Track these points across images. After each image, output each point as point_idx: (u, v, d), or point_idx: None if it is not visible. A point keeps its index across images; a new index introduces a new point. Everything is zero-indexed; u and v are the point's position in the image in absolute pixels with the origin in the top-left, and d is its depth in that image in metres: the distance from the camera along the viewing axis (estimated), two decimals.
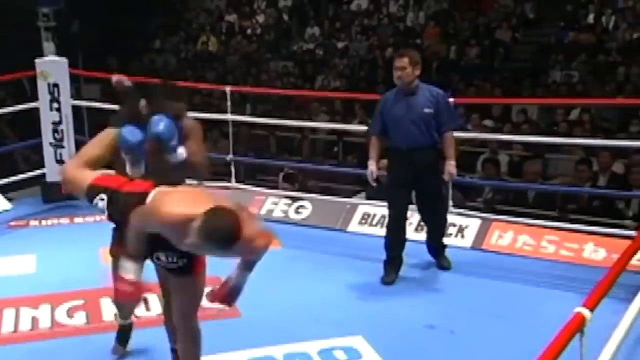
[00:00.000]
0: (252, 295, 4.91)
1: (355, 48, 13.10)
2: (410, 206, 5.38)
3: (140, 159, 3.67)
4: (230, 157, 6.93)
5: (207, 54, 14.85)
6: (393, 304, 4.92)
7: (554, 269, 5.48)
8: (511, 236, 5.89)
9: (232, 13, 15.60)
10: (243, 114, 9.87)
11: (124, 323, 4.20)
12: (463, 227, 6.05)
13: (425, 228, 5.60)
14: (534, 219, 6.20)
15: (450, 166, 5.17)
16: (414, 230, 5.84)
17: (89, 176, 3.24)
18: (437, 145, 5.18)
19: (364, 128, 7.40)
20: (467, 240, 5.96)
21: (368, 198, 6.78)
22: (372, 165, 5.29)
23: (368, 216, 6.35)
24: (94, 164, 3.37)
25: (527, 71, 11.88)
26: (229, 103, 6.82)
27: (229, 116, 6.96)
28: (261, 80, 12.91)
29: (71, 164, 2.90)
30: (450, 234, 5.95)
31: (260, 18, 15.19)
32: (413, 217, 5.71)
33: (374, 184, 5.37)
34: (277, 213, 6.64)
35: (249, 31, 15.00)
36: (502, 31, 12.85)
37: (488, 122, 10.08)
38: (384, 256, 5.29)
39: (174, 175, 3.75)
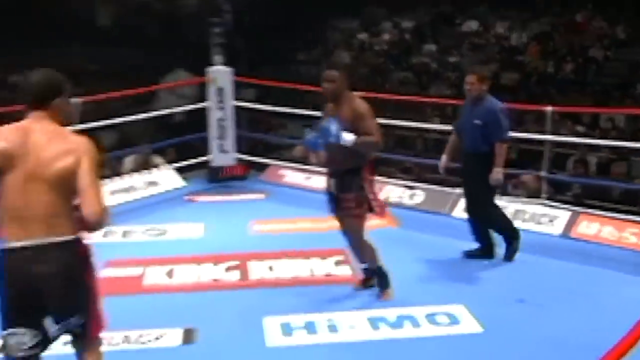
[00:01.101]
0: None
1: (465, 63, 12.82)
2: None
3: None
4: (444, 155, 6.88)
5: (341, 66, 14.92)
6: (490, 280, 4.80)
7: (635, 257, 5.19)
8: (597, 227, 5.61)
9: (363, 32, 15.60)
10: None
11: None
12: (554, 217, 5.81)
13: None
14: (618, 214, 5.89)
15: (495, 173, 4.90)
16: (511, 218, 5.66)
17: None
18: (488, 154, 4.90)
19: None
20: (557, 229, 5.72)
21: None
22: (443, 158, 5.25)
23: None
24: None
25: (616, 85, 11.24)
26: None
27: None
28: (385, 88, 12.84)
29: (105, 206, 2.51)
30: (542, 223, 5.74)
31: (386, 36, 15.13)
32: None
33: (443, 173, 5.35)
34: (394, 199, 6.59)
35: (376, 47, 14.95)
36: (595, 50, 12.22)
37: (580, 128, 9.68)
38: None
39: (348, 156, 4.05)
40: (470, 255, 5.14)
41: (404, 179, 7.04)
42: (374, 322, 4.04)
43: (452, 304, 4.27)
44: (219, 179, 7.30)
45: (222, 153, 7.24)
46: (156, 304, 4.37)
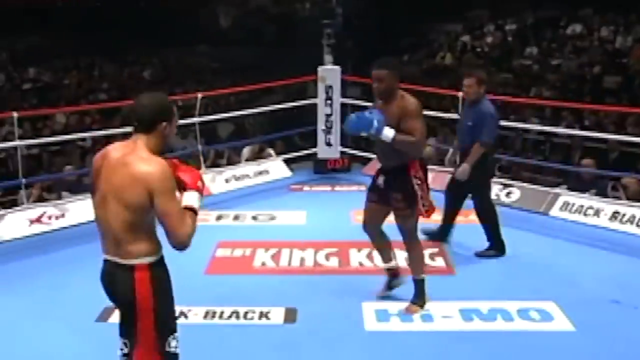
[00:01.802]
0: (466, 259, 4.85)
1: (567, 65, 12.22)
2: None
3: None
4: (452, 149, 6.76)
5: (443, 67, 14.62)
6: (583, 279, 4.54)
7: None
8: None
9: (466, 34, 15.22)
10: None
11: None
12: None
13: None
14: None
15: (462, 169, 4.72)
16: (609, 219, 5.38)
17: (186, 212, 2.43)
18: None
19: (569, 131, 6.95)
20: None
21: (569, 189, 6.32)
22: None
23: (568, 204, 5.92)
24: None
25: None
26: (460, 105, 6.65)
27: (457, 116, 6.77)
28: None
29: (189, 227, 2.36)
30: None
31: (489, 39, 14.69)
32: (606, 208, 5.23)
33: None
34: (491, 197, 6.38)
35: (478, 49, 14.54)
36: None
37: None
38: (582, 238, 4.91)
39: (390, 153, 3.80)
40: (480, 255, 4.90)
41: (500, 177, 6.76)
42: (466, 314, 3.94)
43: (543, 300, 4.10)
44: (324, 171, 7.36)
45: (328, 146, 7.28)
46: (262, 283, 4.45)
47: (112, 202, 2.38)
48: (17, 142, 5.74)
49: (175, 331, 2.49)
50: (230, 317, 3.90)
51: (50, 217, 5.58)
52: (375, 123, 3.67)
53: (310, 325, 3.84)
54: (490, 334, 3.73)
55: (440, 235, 5.11)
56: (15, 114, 5.49)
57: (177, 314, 2.62)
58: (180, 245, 2.36)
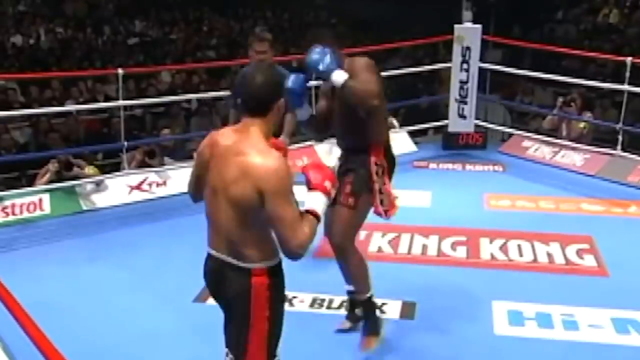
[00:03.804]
0: (624, 259, 4.62)
1: None
2: None
3: (300, 104, 3.30)
4: (619, 125, 6.43)
5: (606, 26, 13.83)
6: None
7: None
8: None
9: None
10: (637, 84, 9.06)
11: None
12: None
13: None
14: None
15: None
16: None
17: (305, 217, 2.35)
18: None
19: None
20: None
21: None
22: None
23: None
24: None
25: None
26: (627, 74, 6.29)
27: (625, 87, 6.42)
28: None
29: (304, 236, 2.28)
30: None
31: None
32: None
33: None
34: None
35: None
36: None
37: None
38: None
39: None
40: None
41: None
42: (620, 324, 3.76)
43: None
44: (454, 146, 7.23)
45: (461, 118, 7.13)
46: (378, 271, 4.45)
47: (221, 197, 2.34)
48: (120, 102, 6.06)
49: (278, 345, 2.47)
50: (339, 307, 3.95)
51: (150, 185, 5.89)
52: (326, 61, 3.24)
53: (430, 324, 3.81)
54: None
55: None
56: (120, 71, 5.79)
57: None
58: (293, 256, 2.30)
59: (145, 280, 4.37)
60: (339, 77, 3.23)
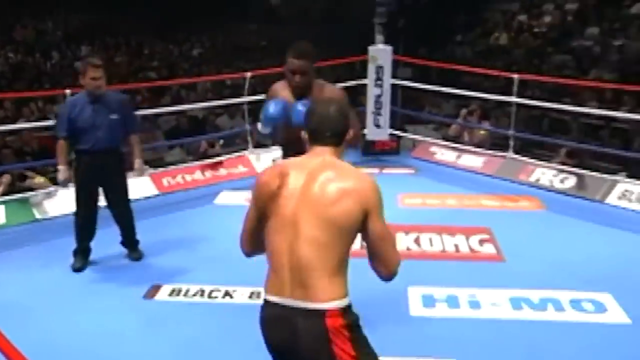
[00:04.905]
0: (517, 246, 4.78)
1: (631, 46, 11.80)
2: None
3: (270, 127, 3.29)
4: (511, 132, 6.66)
5: (497, 47, 14.31)
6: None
7: None
8: None
9: (523, 14, 14.84)
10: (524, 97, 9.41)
11: None
12: None
13: None
14: None
15: None
16: None
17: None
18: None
19: (630, 116, 6.74)
20: None
21: (628, 177, 6.14)
22: None
23: (627, 192, 5.75)
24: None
25: None
26: (515, 88, 6.53)
27: (513, 98, 6.66)
28: (542, 70, 12.15)
29: (399, 258, 2.17)
30: None
31: (547, 18, 14.28)
32: None
33: None
34: (544, 182, 6.28)
35: (536, 29, 14.16)
36: None
37: None
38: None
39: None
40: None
41: (566, 163, 6.51)
42: (516, 302, 3.89)
43: (597, 291, 4.00)
44: (372, 152, 7.33)
45: (377, 128, 7.24)
46: None
47: (307, 224, 1.98)
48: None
49: None
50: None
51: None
52: (301, 108, 3.08)
53: (356, 308, 3.83)
54: (540, 323, 3.67)
55: None
56: (68, 92, 5.62)
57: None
58: (391, 276, 2.09)
59: (97, 282, 4.26)
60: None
